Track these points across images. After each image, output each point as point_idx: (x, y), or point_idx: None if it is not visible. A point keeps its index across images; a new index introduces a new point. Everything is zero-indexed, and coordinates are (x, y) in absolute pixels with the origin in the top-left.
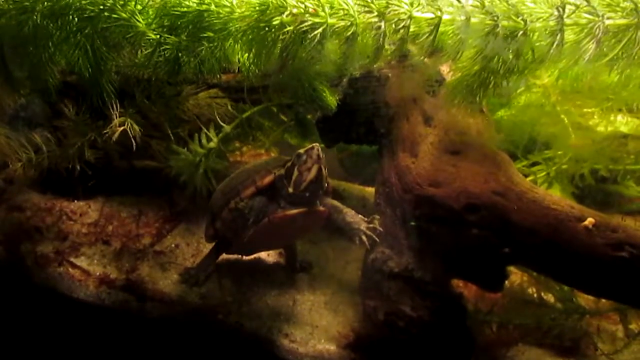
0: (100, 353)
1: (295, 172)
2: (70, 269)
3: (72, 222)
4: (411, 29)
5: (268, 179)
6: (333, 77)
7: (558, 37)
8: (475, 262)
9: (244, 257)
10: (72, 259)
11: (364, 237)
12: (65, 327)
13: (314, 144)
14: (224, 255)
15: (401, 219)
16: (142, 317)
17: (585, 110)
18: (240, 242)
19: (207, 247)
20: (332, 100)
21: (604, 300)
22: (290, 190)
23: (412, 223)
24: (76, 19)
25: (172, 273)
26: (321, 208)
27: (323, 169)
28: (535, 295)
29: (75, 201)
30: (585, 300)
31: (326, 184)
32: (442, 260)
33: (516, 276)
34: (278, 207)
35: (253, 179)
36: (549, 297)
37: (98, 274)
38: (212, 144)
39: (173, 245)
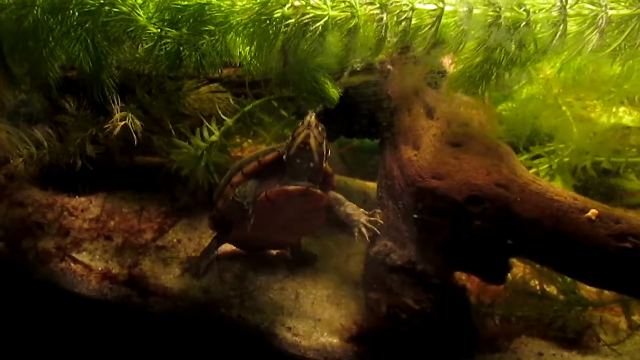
0: (103, 348)
1: (290, 139)
2: (72, 265)
3: (73, 218)
4: (413, 21)
5: (271, 156)
6: (335, 70)
7: (561, 28)
8: (479, 255)
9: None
10: (74, 255)
11: (364, 230)
12: (68, 322)
13: (310, 112)
14: (227, 249)
15: (404, 212)
16: (145, 312)
17: (587, 103)
18: (242, 225)
19: (207, 242)
20: (334, 92)
21: (606, 292)
22: (285, 157)
23: (415, 216)
24: (77, 14)
25: (174, 268)
26: (319, 192)
27: (313, 137)
28: (538, 287)
29: (77, 197)
30: (588, 292)
31: (321, 159)
32: (445, 252)
33: (519, 269)
34: (278, 185)
35: (257, 156)
36: (552, 290)
37: (100, 269)
38: (214, 138)
39: (175, 241)
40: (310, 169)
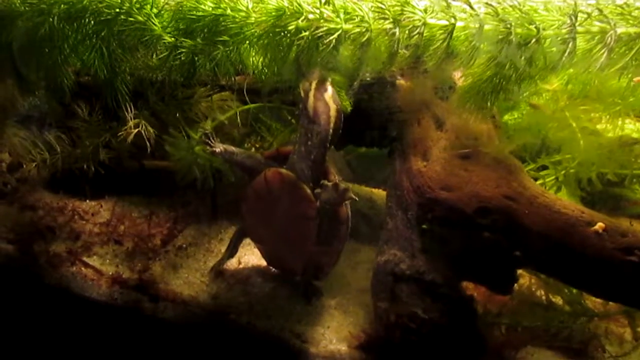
0: (112, 353)
1: None
2: (83, 269)
3: (84, 222)
4: (425, 35)
5: (287, 148)
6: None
7: (570, 45)
8: (486, 265)
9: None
10: (84, 259)
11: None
12: (78, 327)
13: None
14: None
15: (413, 222)
16: (155, 317)
17: (593, 115)
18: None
19: (217, 248)
20: (346, 103)
21: (612, 303)
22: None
23: (424, 226)
24: (92, 22)
25: (183, 273)
26: (312, 196)
27: (307, 82)
28: (544, 298)
29: (87, 200)
30: (593, 303)
31: (306, 104)
32: (453, 263)
33: (525, 279)
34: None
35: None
36: (558, 300)
37: (111, 273)
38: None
39: (184, 245)
40: (299, 116)
